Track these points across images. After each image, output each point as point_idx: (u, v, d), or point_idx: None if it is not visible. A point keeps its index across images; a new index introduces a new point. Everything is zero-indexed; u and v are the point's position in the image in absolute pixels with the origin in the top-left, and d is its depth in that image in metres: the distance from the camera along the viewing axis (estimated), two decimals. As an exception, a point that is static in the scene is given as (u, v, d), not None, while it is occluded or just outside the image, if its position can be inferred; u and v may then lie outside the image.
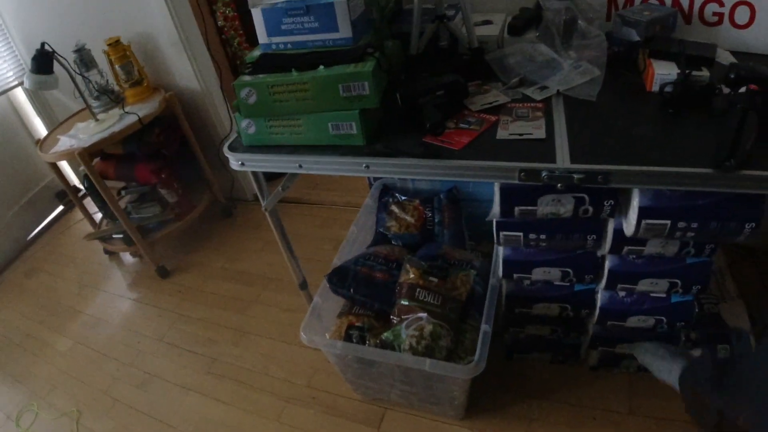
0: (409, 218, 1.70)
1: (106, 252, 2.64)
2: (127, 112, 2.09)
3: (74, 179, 3.09)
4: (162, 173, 2.24)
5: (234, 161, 1.25)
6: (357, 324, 1.44)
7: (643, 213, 1.05)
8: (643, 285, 1.26)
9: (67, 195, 3.09)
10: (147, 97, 2.26)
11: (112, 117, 2.12)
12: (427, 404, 1.52)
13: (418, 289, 1.37)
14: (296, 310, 2.02)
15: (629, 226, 1.10)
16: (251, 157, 1.22)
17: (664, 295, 1.29)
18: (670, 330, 1.36)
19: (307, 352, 1.83)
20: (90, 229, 2.58)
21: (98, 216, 2.59)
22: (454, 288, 1.39)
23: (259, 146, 1.22)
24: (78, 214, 3.04)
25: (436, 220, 1.69)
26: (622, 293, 1.32)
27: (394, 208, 1.74)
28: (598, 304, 1.35)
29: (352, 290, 1.45)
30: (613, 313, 1.35)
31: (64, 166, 2.95)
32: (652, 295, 1.30)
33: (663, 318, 1.31)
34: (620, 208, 1.13)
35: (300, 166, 1.16)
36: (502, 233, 1.26)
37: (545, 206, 1.13)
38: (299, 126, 1.15)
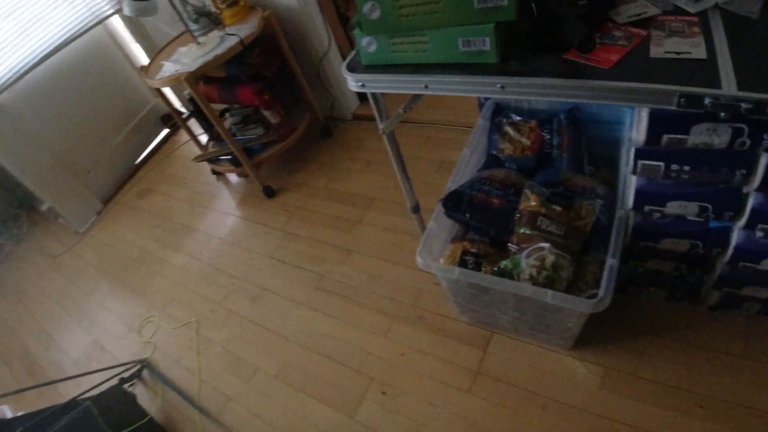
0: (524, 140, 1.62)
1: (214, 173, 2.78)
2: (229, 34, 2.09)
3: (177, 103, 3.22)
4: (264, 95, 2.27)
5: (353, 82, 1.21)
6: (472, 250, 1.43)
7: None
8: (789, 226, 1.15)
9: (171, 118, 3.25)
10: (244, 17, 2.24)
11: (212, 40, 2.14)
12: (537, 332, 1.52)
13: (540, 218, 1.32)
14: (400, 231, 2.06)
15: None
16: (372, 78, 1.18)
17: (807, 240, 1.18)
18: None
19: (413, 273, 1.88)
20: (196, 151, 2.72)
21: (203, 138, 2.71)
22: (578, 218, 1.33)
23: (380, 66, 1.17)
24: (183, 136, 3.22)
25: (554, 143, 1.60)
26: (760, 234, 1.22)
27: (508, 129, 1.66)
28: (733, 243, 1.25)
29: (467, 215, 1.44)
30: (748, 253, 1.24)
31: (167, 90, 3.07)
32: (795, 238, 1.19)
33: (802, 263, 1.21)
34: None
35: (426, 87, 1.11)
36: (641, 162, 1.16)
37: (698, 136, 1.02)
38: (425, 43, 1.08)
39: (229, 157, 2.39)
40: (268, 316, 1.95)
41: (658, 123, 1.03)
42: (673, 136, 1.04)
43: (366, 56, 1.18)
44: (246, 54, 2.16)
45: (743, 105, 0.86)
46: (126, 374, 1.89)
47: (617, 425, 1.37)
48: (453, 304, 1.64)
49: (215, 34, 2.17)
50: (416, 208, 1.58)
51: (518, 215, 1.37)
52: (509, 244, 1.37)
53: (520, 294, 1.29)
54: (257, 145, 2.38)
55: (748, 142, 1.00)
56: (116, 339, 2.14)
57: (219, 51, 2.04)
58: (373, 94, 1.28)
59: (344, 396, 1.63)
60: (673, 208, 1.25)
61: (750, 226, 1.20)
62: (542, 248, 1.29)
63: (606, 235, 1.32)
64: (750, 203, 1.16)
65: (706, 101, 0.88)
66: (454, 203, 1.46)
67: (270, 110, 2.32)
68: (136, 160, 3.16)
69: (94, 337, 2.20)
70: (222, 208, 2.58)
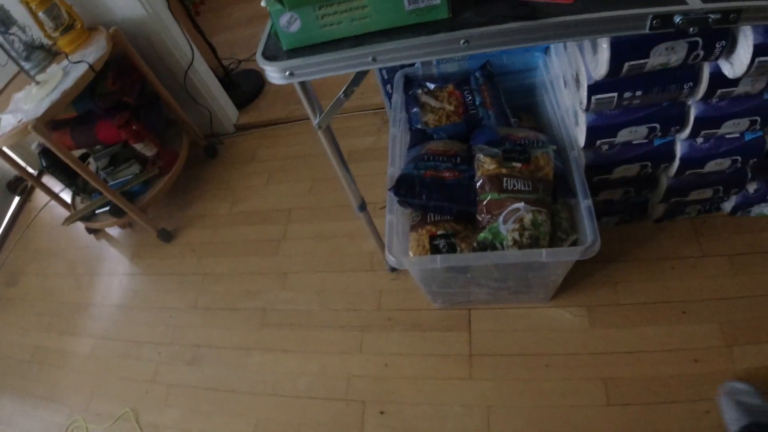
0: (447, 106, 1.54)
1: (90, 231, 2.32)
2: (73, 63, 1.71)
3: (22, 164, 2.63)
4: (130, 126, 1.90)
5: (276, 73, 1.00)
6: (439, 233, 1.32)
7: (758, 50, 0.96)
8: (726, 127, 1.22)
9: (21, 182, 2.71)
10: (85, 42, 1.86)
11: (54, 75, 1.74)
12: (518, 295, 1.48)
13: (504, 179, 1.25)
14: (333, 236, 1.88)
15: (739, 66, 1.01)
16: (302, 63, 0.97)
17: (738, 135, 1.27)
18: (742, 168, 1.36)
19: (364, 276, 1.73)
20: (62, 213, 2.23)
21: (65, 196, 2.26)
22: (538, 169, 1.28)
23: (307, 47, 0.98)
24: (39, 200, 2.65)
25: (477, 102, 1.54)
26: (700, 140, 1.29)
27: (426, 99, 1.56)
28: (678, 154, 1.31)
29: (424, 197, 1.31)
30: (693, 161, 1.31)
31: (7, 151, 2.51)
32: (728, 137, 1.28)
33: (738, 157, 1.30)
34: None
35: (374, 60, 0.94)
36: (594, 97, 1.14)
37: (657, 57, 1.02)
38: (363, 8, 0.92)
39: (107, 208, 2.00)
40: (217, 375, 1.66)
41: (620, 52, 1.00)
42: (634, 62, 1.02)
43: (287, 38, 0.97)
44: (98, 84, 1.80)
45: (712, 17, 0.85)
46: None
47: (618, 356, 1.38)
48: (425, 293, 1.53)
49: (56, 68, 1.77)
50: (362, 206, 1.42)
51: (480, 182, 1.28)
52: (478, 215, 1.28)
53: (511, 262, 1.21)
54: (137, 186, 2.01)
55: (702, 54, 1.01)
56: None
57: (66, 85, 1.65)
58: (303, 84, 1.07)
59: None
60: (623, 136, 1.26)
61: (693, 134, 1.25)
62: (518, 209, 1.22)
63: (565, 180, 1.30)
64: (692, 114, 1.20)
65: (677, 19, 0.85)
66: (406, 188, 1.33)
67: (142, 142, 1.95)
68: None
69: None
70: (114, 270, 2.16)
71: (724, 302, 1.40)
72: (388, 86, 1.80)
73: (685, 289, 1.45)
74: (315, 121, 1.15)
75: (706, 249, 1.52)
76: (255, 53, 1.00)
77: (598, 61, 1.04)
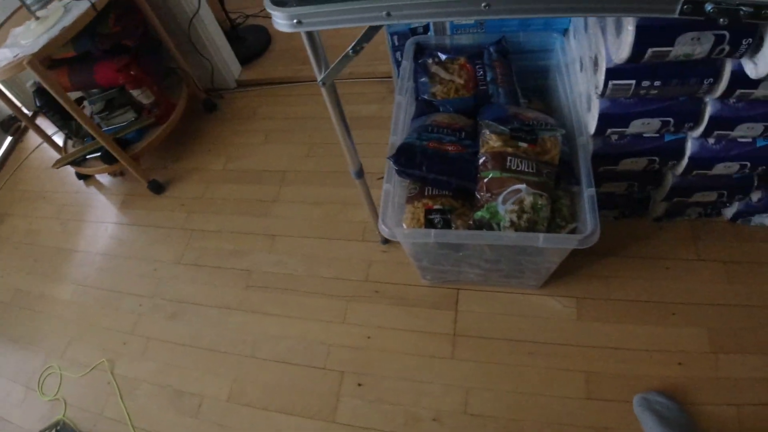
0: (457, 79, 1.48)
1: (80, 177, 2.26)
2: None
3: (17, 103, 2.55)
4: (130, 70, 1.83)
5: (284, 20, 0.94)
6: (436, 207, 1.28)
7: None
8: (739, 130, 1.18)
9: (15, 122, 2.64)
10: None
11: (55, 11, 1.67)
12: (510, 279, 1.45)
13: (508, 158, 1.21)
14: (326, 202, 1.84)
15: (763, 66, 0.96)
16: (312, 11, 0.91)
17: (750, 140, 1.23)
18: (749, 174, 1.34)
19: (355, 246, 1.69)
20: (54, 155, 2.16)
21: (58, 139, 2.19)
22: (545, 151, 1.24)
23: (317, -8, 0.92)
24: (32, 141, 2.59)
25: (489, 78, 1.48)
26: (711, 141, 1.25)
27: (436, 69, 1.51)
28: (688, 153, 1.27)
29: (424, 168, 1.27)
30: (702, 161, 1.27)
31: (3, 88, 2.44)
32: (740, 140, 1.24)
33: (747, 163, 1.27)
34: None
35: (388, 15, 0.89)
36: (611, 82, 1.10)
37: (681, 46, 0.97)
38: (383, -44, 0.87)
39: (99, 153, 1.93)
40: (197, 332, 1.63)
41: (645, 36, 0.95)
42: (657, 49, 0.97)
43: (300, -20, 0.92)
44: (100, 23, 1.72)
45: (743, 9, 0.80)
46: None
47: (602, 350, 1.37)
48: (416, 268, 1.50)
49: (57, 5, 1.69)
50: (360, 173, 1.38)
51: (483, 159, 1.24)
52: (477, 193, 1.25)
53: (506, 244, 1.18)
54: (131, 133, 1.95)
55: (727, 49, 0.97)
56: (15, 407, 1.64)
57: (66, 22, 1.58)
58: (310, 35, 1.02)
59: (317, 400, 1.42)
60: (635, 127, 1.22)
61: (706, 134, 1.21)
62: (519, 190, 1.18)
63: (570, 165, 1.26)
64: (708, 112, 1.16)
65: (708, 8, 0.81)
66: (406, 158, 1.29)
67: (140, 88, 1.88)
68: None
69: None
70: (101, 217, 2.10)
71: (715, 308, 1.38)
72: (398, 53, 1.74)
73: (678, 291, 1.43)
74: (320, 77, 1.10)
75: (703, 253, 1.49)
76: (263, 8, 0.94)
77: (621, 43, 0.99)
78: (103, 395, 1.57)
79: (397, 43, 1.70)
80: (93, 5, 1.62)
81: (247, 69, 2.42)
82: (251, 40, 2.51)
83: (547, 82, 1.60)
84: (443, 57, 1.53)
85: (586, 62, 1.28)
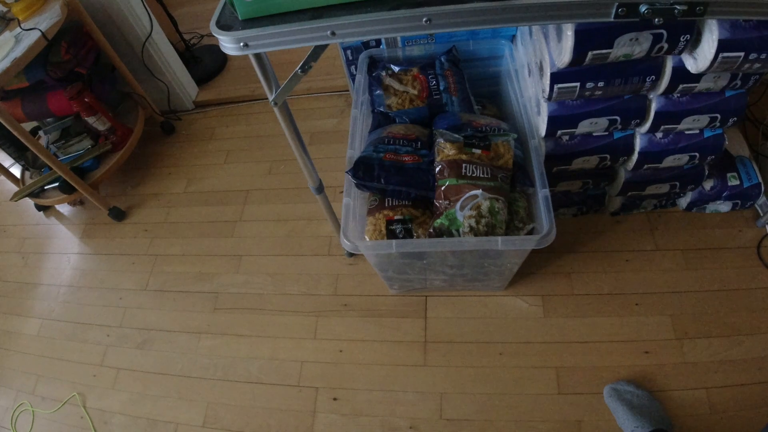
0: (411, 90, 1.51)
1: (39, 208, 2.20)
2: (25, 30, 1.60)
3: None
4: (83, 97, 1.80)
5: (231, 44, 0.94)
6: (396, 217, 1.29)
7: (722, 46, 0.96)
8: (685, 123, 1.23)
9: None
10: (40, 8, 1.74)
11: (5, 42, 1.63)
12: (475, 282, 1.47)
13: (464, 165, 1.23)
14: (290, 218, 1.84)
15: (702, 61, 1.01)
16: (258, 34, 0.92)
17: (697, 132, 1.29)
18: (699, 164, 1.39)
19: (320, 261, 1.69)
20: (11, 188, 2.09)
21: (15, 171, 2.13)
22: (498, 156, 1.27)
23: (264, 17, 0.94)
24: None
25: (442, 87, 1.51)
26: (659, 135, 1.30)
27: (390, 81, 1.53)
28: (637, 148, 1.32)
29: (383, 181, 1.29)
30: (651, 155, 1.32)
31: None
32: (687, 133, 1.29)
33: (696, 154, 1.32)
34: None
35: (333, 34, 0.90)
36: (557, 86, 1.13)
37: (621, 48, 1.01)
38: (323, -23, 0.88)
39: (57, 184, 1.89)
40: (167, 359, 1.60)
41: (584, 40, 0.99)
42: (598, 51, 1.01)
43: (243, 7, 0.92)
44: (51, 52, 1.70)
45: (678, 8, 0.84)
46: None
47: (570, 345, 1.40)
48: (382, 279, 1.51)
49: (7, 36, 1.66)
50: (320, 188, 1.38)
51: (439, 167, 1.26)
52: (435, 201, 1.26)
53: (466, 249, 1.20)
54: (88, 161, 1.90)
55: (666, 47, 1.01)
56: (-18, 448, 1.59)
57: (17, 53, 1.55)
58: (258, 57, 1.02)
59: (293, 418, 1.41)
60: (584, 127, 1.26)
61: (653, 129, 1.25)
62: (475, 196, 1.20)
63: (524, 168, 1.29)
64: (653, 108, 1.21)
65: (643, 9, 0.84)
66: (364, 171, 1.30)
67: (94, 115, 1.84)
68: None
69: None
70: (63, 248, 2.05)
71: (677, 296, 1.43)
72: (353, 67, 1.75)
73: (639, 282, 1.47)
74: (271, 97, 1.10)
75: (661, 243, 1.54)
76: (216, 28, 0.95)
77: (563, 48, 1.03)
78: (76, 430, 1.53)
79: (351, 57, 1.71)
80: (43, 35, 1.59)
81: (204, 89, 2.41)
82: (207, 61, 2.49)
83: (499, 88, 1.64)
84: (396, 69, 1.55)
85: (533, 67, 1.31)
